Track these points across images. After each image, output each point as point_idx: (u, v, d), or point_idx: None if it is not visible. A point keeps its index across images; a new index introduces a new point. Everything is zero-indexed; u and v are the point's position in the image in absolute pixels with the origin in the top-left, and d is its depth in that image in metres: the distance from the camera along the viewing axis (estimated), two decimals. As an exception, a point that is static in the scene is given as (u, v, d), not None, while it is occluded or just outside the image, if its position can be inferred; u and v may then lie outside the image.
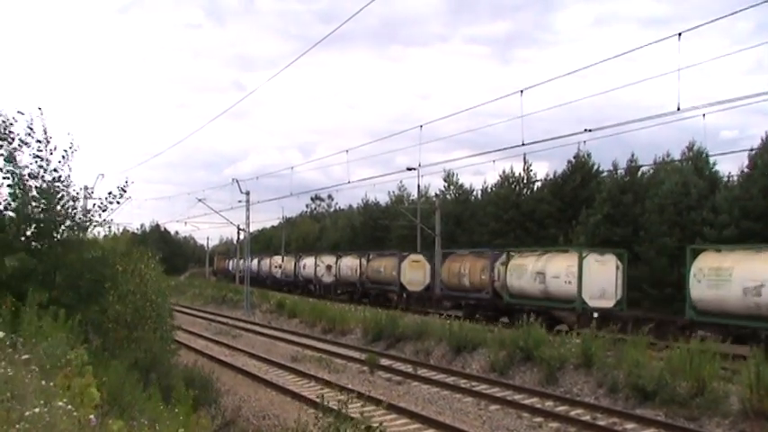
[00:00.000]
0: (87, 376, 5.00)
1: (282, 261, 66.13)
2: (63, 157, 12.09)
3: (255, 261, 69.64)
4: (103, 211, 12.75)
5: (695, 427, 13.81)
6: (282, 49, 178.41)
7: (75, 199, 12.44)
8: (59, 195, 12.11)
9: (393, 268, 42.70)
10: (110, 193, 12.75)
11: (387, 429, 9.41)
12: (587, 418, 14.52)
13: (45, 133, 11.88)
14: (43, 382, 5.93)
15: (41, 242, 12.12)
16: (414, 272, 42.20)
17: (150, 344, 13.00)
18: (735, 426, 13.77)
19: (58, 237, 12.17)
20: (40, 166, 11.98)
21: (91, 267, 12.12)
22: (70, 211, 12.29)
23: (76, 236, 12.45)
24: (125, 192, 12.89)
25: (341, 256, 52.60)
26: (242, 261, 63.36)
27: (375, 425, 8.17)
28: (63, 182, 12.20)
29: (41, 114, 11.76)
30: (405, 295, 41.91)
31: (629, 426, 13.88)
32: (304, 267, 58.74)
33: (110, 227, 14.35)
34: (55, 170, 12.08)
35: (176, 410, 7.22)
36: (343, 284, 51.24)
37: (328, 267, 53.41)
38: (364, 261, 47.40)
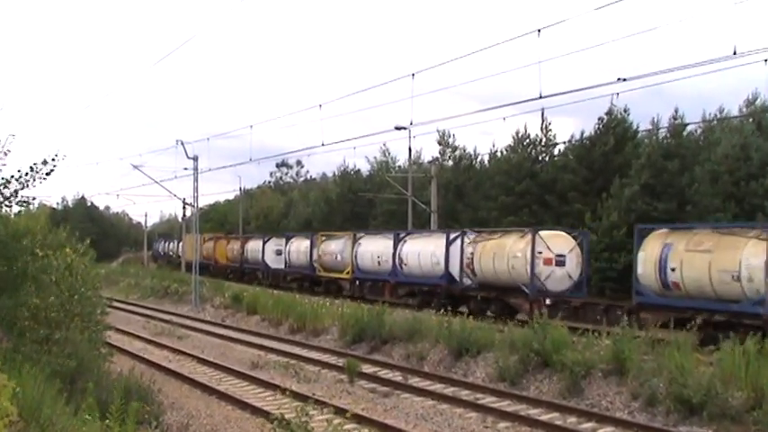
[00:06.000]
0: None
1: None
2: None
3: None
4: (23, 187, 12.66)
5: (751, 447, 14.03)
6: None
7: None
8: None
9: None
10: (34, 165, 12.64)
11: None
12: (619, 437, 14.71)
13: None
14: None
15: None
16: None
17: (76, 346, 13.01)
18: (800, 445, 13.98)
19: None
20: None
21: (1, 254, 12.05)
22: None
23: None
24: (54, 163, 12.76)
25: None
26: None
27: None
28: None
29: None
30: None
31: (671, 446, 14.07)
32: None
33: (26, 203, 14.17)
34: None
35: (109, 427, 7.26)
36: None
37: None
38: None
